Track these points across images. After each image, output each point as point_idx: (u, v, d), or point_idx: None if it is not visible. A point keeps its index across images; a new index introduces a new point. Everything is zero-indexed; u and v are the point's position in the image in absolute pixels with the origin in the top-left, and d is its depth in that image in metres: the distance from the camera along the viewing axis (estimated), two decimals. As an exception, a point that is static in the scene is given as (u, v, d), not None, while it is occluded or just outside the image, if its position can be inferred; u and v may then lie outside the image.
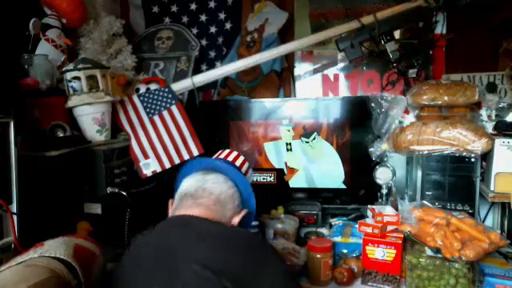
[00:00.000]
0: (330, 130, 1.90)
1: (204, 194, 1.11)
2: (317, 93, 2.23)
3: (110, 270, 1.07)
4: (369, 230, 1.38)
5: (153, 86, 1.90)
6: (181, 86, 1.92)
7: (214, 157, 1.31)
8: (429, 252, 1.28)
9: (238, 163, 1.26)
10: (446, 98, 1.58)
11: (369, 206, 1.60)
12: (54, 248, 0.91)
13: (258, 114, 1.96)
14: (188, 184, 1.15)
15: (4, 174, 1.16)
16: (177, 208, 1.12)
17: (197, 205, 1.09)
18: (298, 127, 1.92)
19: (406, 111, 1.84)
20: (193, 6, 2.37)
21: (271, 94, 2.19)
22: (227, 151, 1.31)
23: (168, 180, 1.78)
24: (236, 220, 1.15)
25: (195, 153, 1.82)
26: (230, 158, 1.27)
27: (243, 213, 1.17)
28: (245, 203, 1.20)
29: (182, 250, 0.92)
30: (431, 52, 2.03)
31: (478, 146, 1.48)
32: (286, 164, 1.95)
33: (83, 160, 1.50)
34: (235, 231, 1.08)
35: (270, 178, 1.96)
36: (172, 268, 0.89)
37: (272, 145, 1.96)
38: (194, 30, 2.37)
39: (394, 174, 1.73)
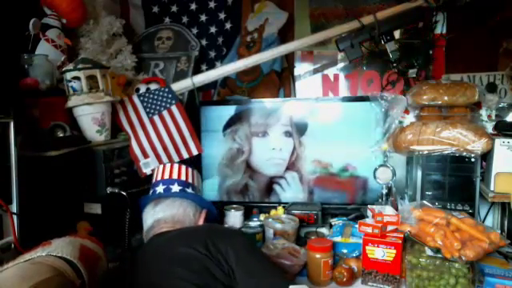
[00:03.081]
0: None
1: (160, 223, 1.27)
2: (317, 93, 2.23)
3: (112, 273, 1.11)
4: (369, 229, 1.38)
5: (153, 86, 1.90)
6: (181, 86, 1.92)
7: (154, 178, 1.42)
8: (429, 252, 1.28)
9: (182, 176, 1.40)
10: (445, 98, 1.58)
11: (369, 206, 1.60)
12: (61, 247, 0.93)
13: (258, 113, 1.96)
14: (147, 221, 1.32)
15: (4, 174, 1.16)
16: (148, 234, 1.30)
17: (160, 229, 1.26)
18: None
19: (406, 111, 1.85)
20: (193, 6, 2.37)
21: (271, 94, 2.19)
22: (168, 168, 1.42)
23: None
24: (200, 222, 1.34)
25: (195, 152, 1.83)
26: (174, 174, 1.40)
27: (203, 214, 1.36)
28: (202, 204, 1.38)
29: (169, 247, 1.14)
30: (431, 52, 2.03)
31: (477, 146, 1.48)
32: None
33: (83, 160, 1.50)
34: (198, 225, 1.32)
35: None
36: (169, 256, 1.10)
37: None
38: (194, 30, 2.37)
39: (394, 174, 1.73)
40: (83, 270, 0.91)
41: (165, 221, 1.27)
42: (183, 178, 1.40)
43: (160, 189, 1.36)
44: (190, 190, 1.38)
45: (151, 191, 1.40)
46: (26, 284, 0.77)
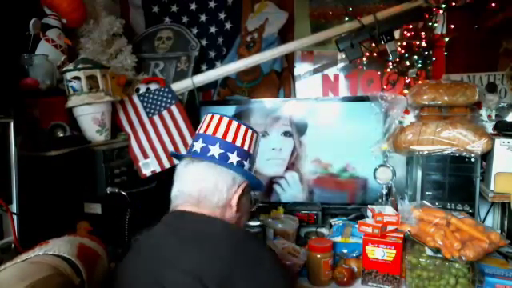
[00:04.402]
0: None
1: (184, 196, 1.05)
2: (317, 93, 2.23)
3: (113, 270, 1.08)
4: (369, 229, 1.38)
5: (153, 86, 1.90)
6: (181, 85, 1.92)
7: (199, 127, 1.13)
8: (429, 252, 1.28)
9: (229, 135, 1.08)
10: (446, 97, 1.58)
11: (369, 206, 1.60)
12: (59, 246, 0.92)
13: (258, 113, 1.96)
14: (175, 183, 1.09)
15: (4, 174, 1.16)
16: (173, 203, 1.09)
17: (184, 202, 1.05)
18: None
19: (406, 111, 1.84)
20: (193, 6, 2.37)
21: (271, 94, 2.19)
22: (215, 121, 1.10)
23: (168, 180, 1.78)
24: (234, 199, 1.05)
25: (195, 153, 1.82)
26: (220, 131, 1.08)
27: (241, 189, 1.06)
28: (245, 175, 1.08)
29: (169, 255, 0.93)
30: (431, 52, 2.03)
31: (478, 146, 1.48)
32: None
33: (83, 160, 1.50)
34: (226, 233, 0.99)
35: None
36: (158, 272, 0.90)
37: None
38: (194, 30, 2.37)
39: (394, 174, 1.73)
40: (82, 267, 0.89)
41: (189, 195, 1.04)
42: (229, 138, 1.08)
43: (198, 146, 1.08)
44: (234, 157, 1.06)
45: (190, 144, 1.15)
46: (23, 283, 0.76)
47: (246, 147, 1.09)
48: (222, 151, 1.06)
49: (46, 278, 0.80)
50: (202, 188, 1.04)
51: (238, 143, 1.08)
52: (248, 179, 1.09)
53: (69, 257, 0.89)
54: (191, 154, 1.08)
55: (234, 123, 1.09)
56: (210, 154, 1.06)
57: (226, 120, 1.09)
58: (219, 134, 1.07)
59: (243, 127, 1.10)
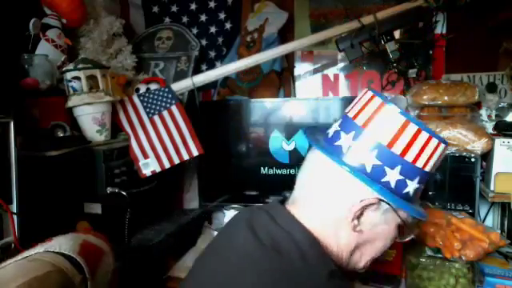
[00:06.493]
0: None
1: (295, 197, 0.82)
2: (317, 93, 2.23)
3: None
4: (369, 229, 1.38)
5: (153, 86, 1.90)
6: (181, 85, 1.91)
7: (368, 119, 0.80)
8: (429, 252, 1.28)
9: (412, 154, 0.74)
10: (446, 97, 1.59)
11: (369, 206, 1.60)
12: (60, 243, 0.91)
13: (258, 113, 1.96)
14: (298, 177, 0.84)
15: (4, 174, 1.16)
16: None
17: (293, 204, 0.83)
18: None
19: (406, 111, 1.84)
20: (193, 6, 2.37)
21: (271, 94, 2.18)
22: (400, 122, 0.75)
23: (169, 180, 1.78)
24: (346, 230, 0.81)
25: (195, 153, 1.82)
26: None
27: (365, 203, 0.77)
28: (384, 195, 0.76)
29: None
30: (431, 52, 2.03)
31: (477, 146, 1.49)
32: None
33: (83, 160, 1.50)
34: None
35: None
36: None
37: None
38: (194, 30, 2.37)
39: (394, 173, 1.73)
40: (84, 264, 0.88)
41: (303, 202, 0.82)
42: (410, 157, 0.74)
43: (370, 161, 0.75)
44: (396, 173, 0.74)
45: (333, 130, 0.86)
46: (20, 280, 0.75)
47: (428, 168, 0.78)
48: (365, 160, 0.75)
49: (44, 274, 0.79)
50: (318, 203, 0.81)
51: (420, 164, 0.76)
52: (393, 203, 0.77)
53: (70, 254, 0.88)
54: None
55: (424, 135, 0.74)
56: (346, 160, 0.77)
57: (413, 128, 0.74)
58: (397, 149, 0.73)
59: (434, 141, 0.76)
